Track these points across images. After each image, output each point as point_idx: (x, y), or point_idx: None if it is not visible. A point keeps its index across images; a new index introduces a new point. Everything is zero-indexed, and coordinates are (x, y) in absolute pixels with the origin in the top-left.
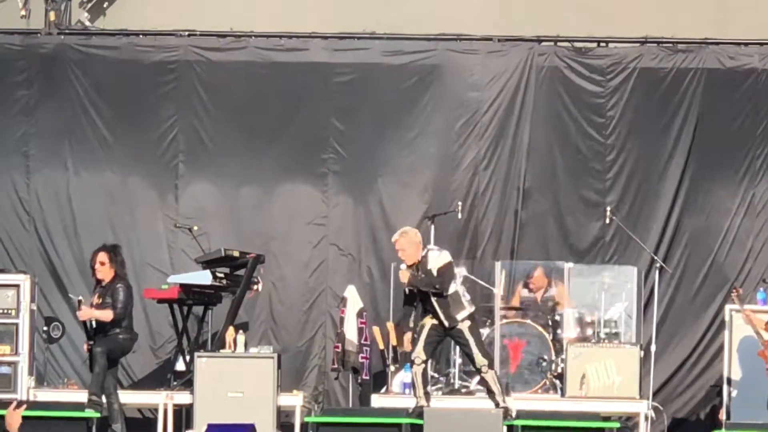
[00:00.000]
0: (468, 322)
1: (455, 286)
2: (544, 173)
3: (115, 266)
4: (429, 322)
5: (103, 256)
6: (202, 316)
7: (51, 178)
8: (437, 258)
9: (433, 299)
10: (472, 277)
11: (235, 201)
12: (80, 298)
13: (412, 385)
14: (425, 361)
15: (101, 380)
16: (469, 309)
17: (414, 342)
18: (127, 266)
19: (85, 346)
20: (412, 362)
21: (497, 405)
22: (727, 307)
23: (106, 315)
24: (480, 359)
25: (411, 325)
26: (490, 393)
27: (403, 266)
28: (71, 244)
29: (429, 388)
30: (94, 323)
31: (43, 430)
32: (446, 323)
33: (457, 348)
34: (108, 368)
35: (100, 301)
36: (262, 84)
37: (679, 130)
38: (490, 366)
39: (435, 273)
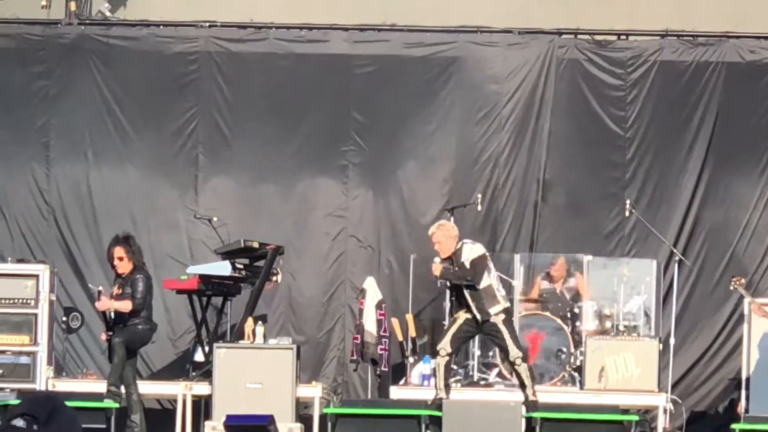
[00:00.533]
0: (502, 315)
1: (489, 280)
2: (564, 166)
3: (133, 258)
4: (463, 316)
5: (119, 251)
6: (221, 307)
7: (71, 168)
8: (470, 250)
9: (466, 292)
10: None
11: (255, 192)
12: (100, 288)
13: (434, 376)
14: (450, 354)
15: (120, 371)
16: (504, 304)
17: (443, 334)
18: (146, 257)
19: (104, 336)
20: (437, 353)
21: (527, 398)
22: (746, 300)
23: (125, 306)
24: (515, 351)
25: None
26: (522, 385)
27: (437, 259)
28: (91, 234)
29: (450, 381)
30: (113, 314)
31: None
32: (479, 317)
33: (476, 340)
34: (127, 359)
35: (120, 291)
36: (282, 75)
37: (699, 123)
38: (524, 359)
39: (468, 265)
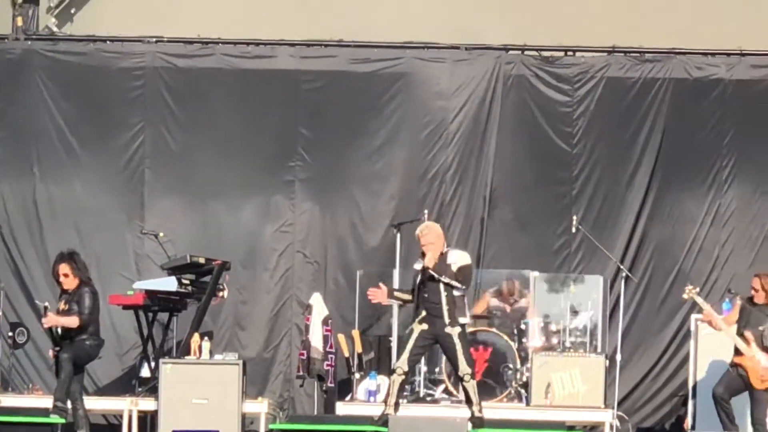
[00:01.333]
0: (459, 329)
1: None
2: (511, 182)
3: (78, 273)
4: (418, 328)
5: (65, 268)
6: (168, 323)
7: (18, 183)
8: (459, 255)
9: (444, 293)
10: None
11: (202, 207)
12: (46, 304)
13: (387, 392)
14: (406, 373)
15: (67, 386)
16: (467, 320)
17: (399, 351)
18: (93, 272)
19: (51, 353)
20: (393, 371)
21: (473, 414)
22: (693, 316)
23: (72, 321)
24: (464, 367)
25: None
26: (469, 402)
27: (417, 265)
28: (37, 250)
29: (400, 399)
30: (59, 329)
31: None
32: (447, 320)
33: (423, 357)
34: (74, 374)
35: (66, 307)
36: (229, 91)
37: (646, 139)
38: (473, 376)
39: (454, 270)
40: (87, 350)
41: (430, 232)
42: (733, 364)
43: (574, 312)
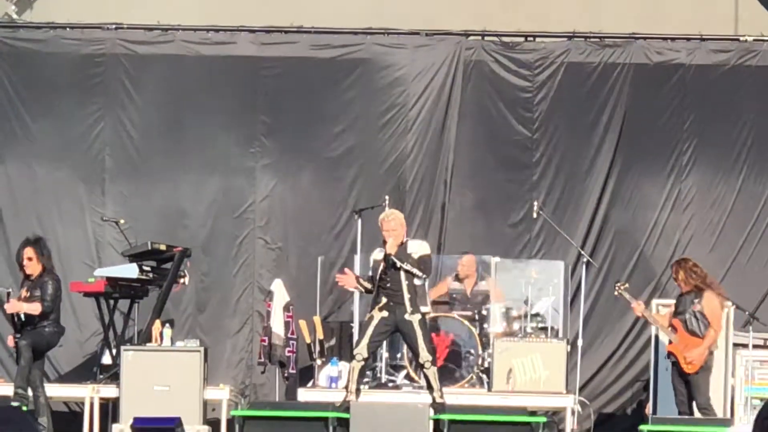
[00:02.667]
0: (419, 316)
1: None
2: (472, 167)
3: (43, 260)
4: (378, 315)
5: (30, 252)
6: (129, 310)
7: None
8: (419, 246)
9: (405, 282)
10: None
11: (162, 194)
12: (9, 290)
13: (347, 379)
14: (366, 359)
15: (27, 373)
16: (427, 308)
17: (359, 337)
18: (53, 259)
19: (11, 339)
20: (353, 357)
21: (434, 400)
22: (654, 301)
23: (35, 308)
24: (425, 354)
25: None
26: (430, 388)
27: (376, 252)
28: None
29: (361, 385)
30: (22, 316)
31: None
32: (408, 308)
33: (385, 342)
34: (34, 361)
35: (29, 294)
36: (189, 77)
37: (607, 124)
38: (434, 362)
39: (416, 258)
40: (46, 337)
41: (394, 219)
42: (667, 353)
43: (536, 297)
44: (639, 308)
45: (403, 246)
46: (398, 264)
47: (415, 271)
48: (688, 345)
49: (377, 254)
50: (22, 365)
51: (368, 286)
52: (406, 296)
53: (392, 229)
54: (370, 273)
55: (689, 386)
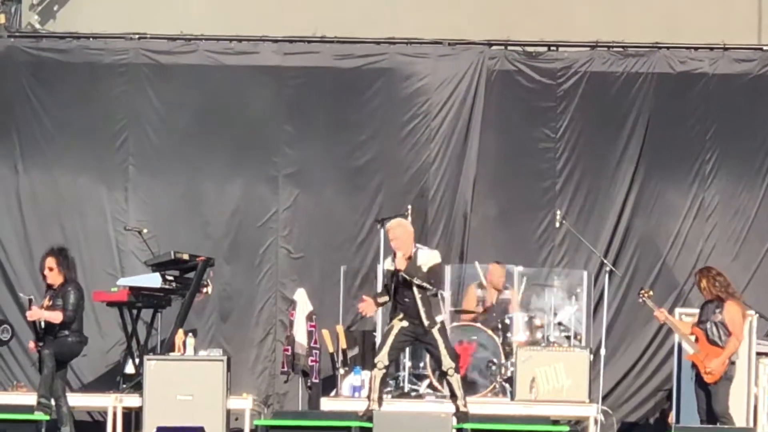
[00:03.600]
0: (439, 325)
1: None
2: (494, 176)
3: (64, 270)
4: (398, 324)
5: (51, 261)
6: (152, 319)
7: (1, 180)
8: (429, 256)
9: (419, 295)
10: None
11: (185, 204)
12: (31, 297)
13: (369, 388)
14: (387, 367)
15: (50, 382)
16: (443, 315)
17: (379, 346)
18: (77, 269)
19: (32, 345)
20: (374, 365)
21: (458, 409)
22: (677, 310)
23: (56, 317)
24: (448, 361)
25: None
26: (453, 396)
27: (399, 253)
28: (21, 246)
29: (383, 393)
30: (43, 324)
31: None
32: (426, 323)
33: (407, 351)
34: (57, 371)
35: (51, 303)
36: (212, 87)
37: (629, 134)
38: (457, 370)
39: (425, 270)
40: (69, 346)
41: (399, 228)
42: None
43: (559, 307)
44: (662, 315)
45: (412, 258)
46: (409, 279)
47: (426, 285)
48: (708, 355)
49: (388, 264)
50: (45, 374)
51: (386, 299)
52: (422, 309)
53: (397, 238)
54: (384, 281)
55: (708, 395)
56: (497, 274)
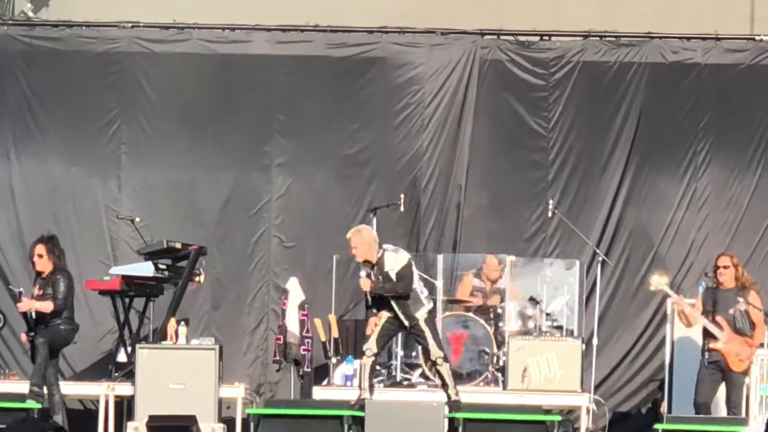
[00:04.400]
0: (425, 315)
1: (413, 284)
2: (487, 166)
3: (53, 258)
4: (386, 315)
5: (40, 249)
6: (144, 308)
7: None
8: (395, 259)
9: (393, 302)
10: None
11: (178, 192)
12: (21, 289)
13: (359, 377)
14: (376, 354)
15: (43, 371)
16: (428, 305)
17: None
18: (69, 257)
19: (24, 337)
20: (363, 353)
21: (449, 398)
22: (669, 300)
23: (47, 306)
24: (436, 351)
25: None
26: (444, 385)
27: (363, 273)
28: (13, 234)
29: (374, 381)
30: (34, 314)
31: None
32: (406, 322)
33: (399, 340)
34: (49, 359)
35: (41, 292)
36: (205, 76)
37: (622, 124)
38: (446, 358)
39: (394, 276)
40: (62, 334)
41: (354, 237)
42: (708, 351)
43: (551, 296)
44: (680, 304)
45: (379, 263)
46: (379, 294)
47: (395, 295)
48: (740, 342)
49: (363, 272)
50: (38, 363)
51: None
52: (399, 312)
53: (353, 246)
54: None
55: (731, 384)
56: (493, 266)
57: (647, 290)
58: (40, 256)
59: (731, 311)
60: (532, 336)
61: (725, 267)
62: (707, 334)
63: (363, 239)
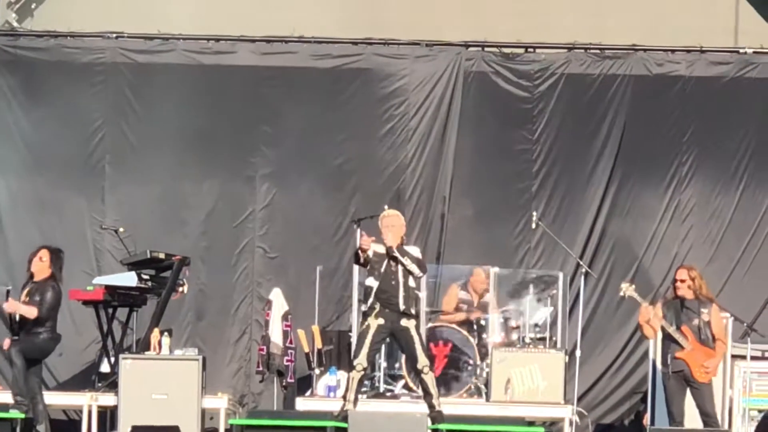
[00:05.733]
0: (414, 322)
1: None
2: (471, 178)
3: (53, 268)
4: (374, 323)
5: (44, 253)
6: (127, 318)
7: None
8: (414, 250)
9: (402, 280)
10: None
11: (162, 203)
12: (9, 288)
13: (346, 389)
14: (365, 369)
15: (21, 380)
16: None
17: (357, 347)
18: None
19: (7, 343)
20: (353, 367)
21: (432, 408)
22: (643, 306)
23: (31, 312)
24: (423, 359)
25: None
26: (428, 395)
27: (390, 234)
28: None
29: (359, 395)
30: (17, 317)
31: None
32: (402, 307)
33: (383, 352)
34: (30, 367)
35: (28, 299)
36: (189, 86)
37: (606, 136)
38: (431, 368)
39: (415, 258)
40: (39, 345)
41: (397, 219)
42: (673, 359)
43: (535, 308)
44: (647, 311)
45: (401, 245)
46: (399, 257)
47: (413, 267)
48: (704, 353)
49: (376, 246)
50: (14, 373)
51: (378, 249)
52: (401, 294)
53: (391, 225)
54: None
55: (698, 395)
56: (480, 279)
57: (631, 302)
58: (41, 259)
59: (695, 322)
60: (516, 347)
61: (681, 281)
62: (668, 344)
63: (402, 223)
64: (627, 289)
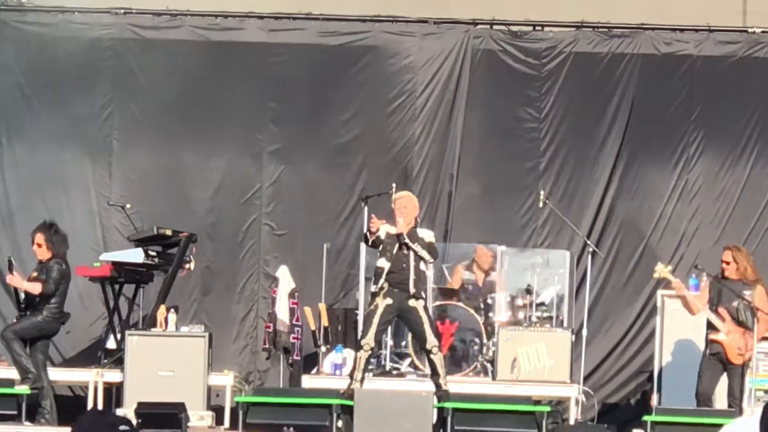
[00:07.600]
0: (423, 302)
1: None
2: (478, 156)
3: (52, 247)
4: (382, 303)
5: (39, 238)
6: (134, 295)
7: None
8: (427, 234)
9: (413, 264)
10: None
11: (169, 179)
12: (11, 257)
13: (353, 368)
14: (373, 349)
15: (22, 361)
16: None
17: (365, 327)
18: (67, 243)
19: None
20: (360, 347)
21: (439, 387)
22: (659, 292)
23: (34, 287)
24: (432, 339)
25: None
26: (435, 374)
27: (401, 219)
28: (4, 221)
29: (365, 374)
30: (23, 294)
31: None
32: (412, 290)
33: (389, 330)
34: (34, 343)
35: (36, 275)
36: (197, 63)
37: (614, 115)
38: (440, 348)
39: (427, 243)
40: (38, 324)
41: (410, 200)
42: (710, 342)
43: (542, 287)
44: (682, 290)
45: (413, 229)
46: (410, 244)
47: (424, 253)
48: (740, 335)
49: (389, 228)
50: (14, 357)
51: (390, 230)
52: (411, 278)
53: (404, 206)
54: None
55: (730, 375)
56: (484, 255)
57: (638, 281)
58: (39, 245)
59: (735, 303)
60: (522, 326)
61: (726, 262)
62: (710, 326)
63: (415, 205)
64: (662, 271)
